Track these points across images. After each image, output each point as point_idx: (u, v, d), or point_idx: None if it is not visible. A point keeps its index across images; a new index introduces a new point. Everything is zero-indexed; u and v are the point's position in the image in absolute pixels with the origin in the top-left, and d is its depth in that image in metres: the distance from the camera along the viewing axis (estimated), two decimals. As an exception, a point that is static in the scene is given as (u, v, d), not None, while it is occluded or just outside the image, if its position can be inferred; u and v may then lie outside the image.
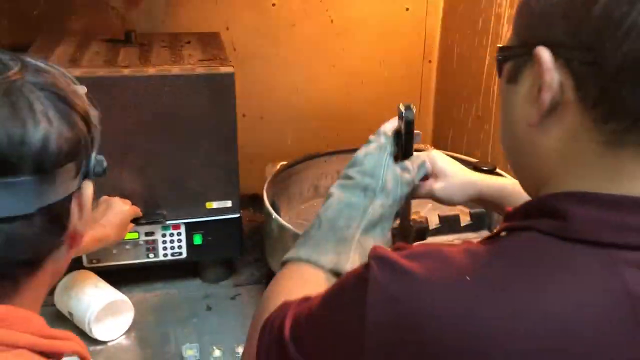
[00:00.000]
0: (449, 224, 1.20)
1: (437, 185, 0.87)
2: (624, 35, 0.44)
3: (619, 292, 0.45)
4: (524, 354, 0.44)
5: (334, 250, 0.73)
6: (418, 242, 0.95)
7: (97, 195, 0.68)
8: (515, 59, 0.54)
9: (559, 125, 0.50)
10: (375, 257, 0.52)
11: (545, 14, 0.50)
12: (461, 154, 1.56)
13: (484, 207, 0.99)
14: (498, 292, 0.46)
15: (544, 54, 0.49)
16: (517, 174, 0.59)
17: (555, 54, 0.49)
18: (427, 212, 1.20)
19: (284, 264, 0.75)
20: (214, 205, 1.20)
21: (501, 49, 0.56)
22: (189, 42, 1.30)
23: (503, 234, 0.52)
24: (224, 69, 1.12)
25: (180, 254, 1.23)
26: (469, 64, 1.49)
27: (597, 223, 0.47)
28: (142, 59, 1.16)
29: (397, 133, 0.83)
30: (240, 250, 1.28)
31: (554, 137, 0.51)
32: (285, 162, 1.50)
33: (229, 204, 1.20)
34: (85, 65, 1.10)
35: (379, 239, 0.77)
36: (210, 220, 1.21)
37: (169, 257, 1.22)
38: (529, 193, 0.58)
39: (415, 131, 0.83)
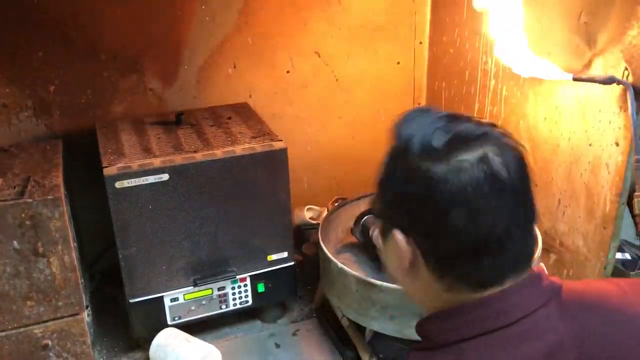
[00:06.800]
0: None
1: None
2: (445, 234, 0.67)
3: None
4: None
5: None
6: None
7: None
8: (382, 225, 0.76)
9: (419, 276, 0.73)
10: None
11: (394, 207, 0.72)
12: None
13: None
14: None
15: (398, 236, 0.71)
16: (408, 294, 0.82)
17: (406, 234, 0.71)
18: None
19: None
20: (274, 257, 1.40)
21: (374, 214, 0.79)
22: (230, 118, 1.49)
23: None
24: (277, 145, 1.33)
25: (247, 302, 1.42)
26: (458, 107, 1.75)
27: (442, 332, 0.72)
28: (202, 140, 1.35)
29: None
30: (295, 292, 1.48)
31: (419, 281, 0.74)
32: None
33: (285, 254, 1.41)
34: (159, 154, 1.27)
35: None
36: (271, 270, 1.41)
37: (238, 306, 1.42)
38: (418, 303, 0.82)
39: None
